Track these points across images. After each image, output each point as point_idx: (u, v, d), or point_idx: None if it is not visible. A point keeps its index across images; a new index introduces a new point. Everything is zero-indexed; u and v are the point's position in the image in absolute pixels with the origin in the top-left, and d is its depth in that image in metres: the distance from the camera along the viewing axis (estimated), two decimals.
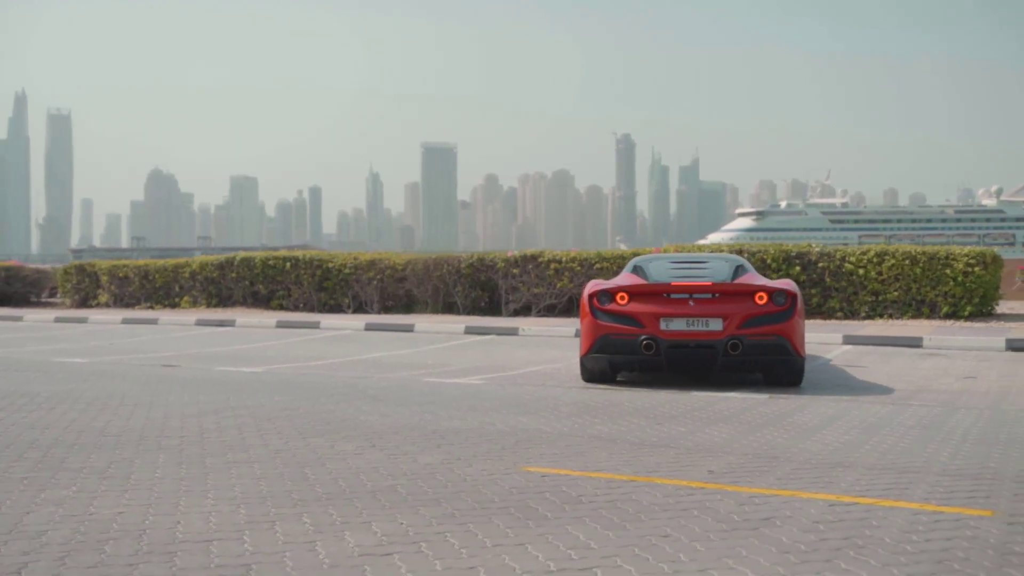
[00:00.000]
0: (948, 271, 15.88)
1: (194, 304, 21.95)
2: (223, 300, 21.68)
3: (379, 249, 53.11)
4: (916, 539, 3.99)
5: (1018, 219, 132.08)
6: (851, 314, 16.35)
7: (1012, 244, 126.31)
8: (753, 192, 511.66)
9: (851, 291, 16.38)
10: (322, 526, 4.21)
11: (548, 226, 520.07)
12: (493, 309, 19.00)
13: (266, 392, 8.73)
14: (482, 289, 19.12)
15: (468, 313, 18.99)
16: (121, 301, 23.08)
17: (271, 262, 21.06)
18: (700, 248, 20.01)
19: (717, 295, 8.79)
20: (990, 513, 4.40)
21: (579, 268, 18.01)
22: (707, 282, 8.93)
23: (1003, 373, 10.11)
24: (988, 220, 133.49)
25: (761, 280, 9.37)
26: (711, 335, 8.61)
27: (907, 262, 16.11)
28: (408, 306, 19.81)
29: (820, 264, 16.57)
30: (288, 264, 20.82)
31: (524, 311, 18.53)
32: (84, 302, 23.88)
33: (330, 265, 20.50)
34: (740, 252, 17.12)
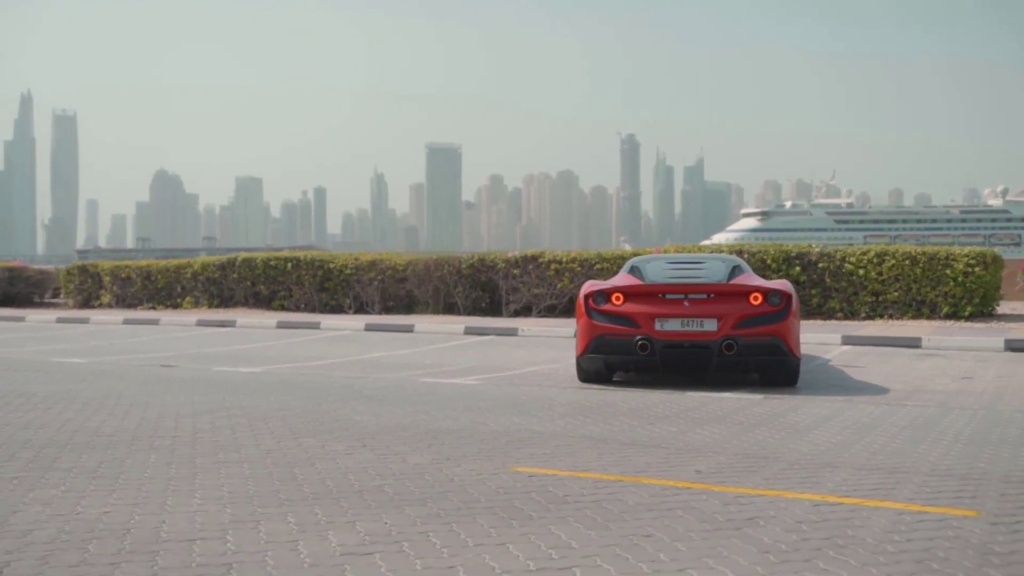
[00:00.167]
0: (948, 271, 15.86)
1: (196, 305, 22.01)
2: (225, 301, 21.74)
3: (384, 250, 53.28)
4: (898, 539, 3.99)
5: None
6: (851, 314, 16.34)
7: (1018, 244, 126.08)
8: (758, 192, 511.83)
9: (851, 291, 16.37)
10: (306, 526, 4.23)
11: (553, 226, 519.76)
12: (494, 310, 19.02)
13: (263, 392, 8.75)
14: (483, 289, 19.14)
15: (469, 314, 19.01)
16: (123, 302, 23.16)
17: (272, 263, 21.11)
18: (702, 248, 19.97)
19: (712, 295, 8.79)
20: (975, 513, 4.39)
21: (579, 269, 18.01)
22: (702, 283, 8.94)
23: (1000, 373, 10.09)
24: (994, 220, 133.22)
25: (757, 280, 9.37)
26: (706, 335, 8.61)
27: (907, 262, 16.10)
28: (409, 307, 19.83)
29: (820, 264, 16.56)
30: (289, 265, 20.87)
31: (525, 312, 18.54)
32: (87, 303, 23.95)
33: (331, 266, 20.54)
34: (740, 253, 17.13)
